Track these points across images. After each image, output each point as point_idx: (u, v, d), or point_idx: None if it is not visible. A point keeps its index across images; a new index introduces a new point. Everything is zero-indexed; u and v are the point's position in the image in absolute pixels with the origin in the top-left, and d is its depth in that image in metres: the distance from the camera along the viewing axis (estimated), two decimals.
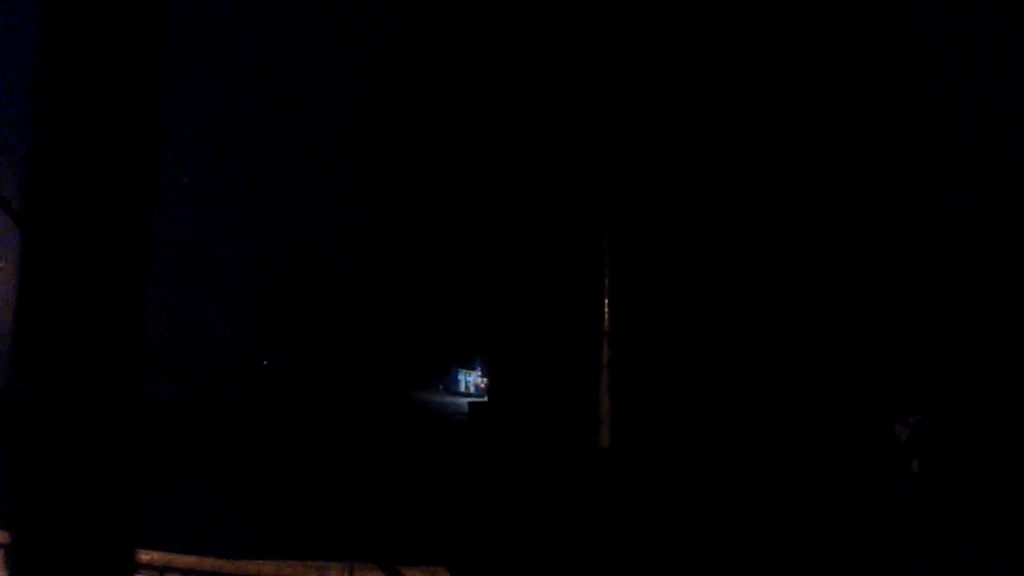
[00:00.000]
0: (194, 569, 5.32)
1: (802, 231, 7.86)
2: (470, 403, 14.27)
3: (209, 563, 5.37)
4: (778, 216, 7.81)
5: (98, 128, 1.10)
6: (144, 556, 5.46)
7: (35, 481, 1.06)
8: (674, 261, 7.91)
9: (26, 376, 1.08)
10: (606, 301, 7.17)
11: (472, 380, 18.86)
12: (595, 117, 7.97)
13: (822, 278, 7.78)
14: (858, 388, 7.37)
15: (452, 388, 18.97)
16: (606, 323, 7.11)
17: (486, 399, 13.29)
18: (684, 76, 7.86)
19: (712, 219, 7.91)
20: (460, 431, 13.47)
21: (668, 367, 7.63)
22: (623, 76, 7.87)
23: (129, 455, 1.08)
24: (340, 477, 8.66)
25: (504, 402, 11.34)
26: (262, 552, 5.63)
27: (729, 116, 7.86)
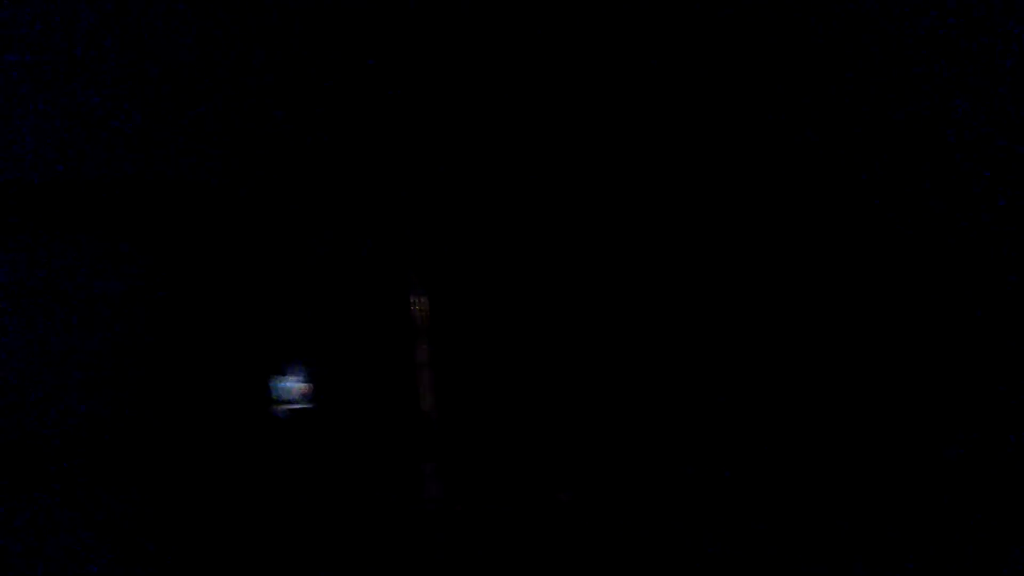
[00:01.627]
0: None
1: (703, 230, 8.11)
2: (288, 411, 13.53)
3: None
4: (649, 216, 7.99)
5: None
6: None
7: None
8: (506, 255, 7.87)
9: None
10: (422, 298, 7.01)
11: (293, 387, 17.96)
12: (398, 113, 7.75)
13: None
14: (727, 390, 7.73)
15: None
16: (423, 320, 6.94)
17: (310, 407, 12.64)
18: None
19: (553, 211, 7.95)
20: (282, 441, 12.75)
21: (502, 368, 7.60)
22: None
23: None
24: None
25: (328, 410, 10.85)
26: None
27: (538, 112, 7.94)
